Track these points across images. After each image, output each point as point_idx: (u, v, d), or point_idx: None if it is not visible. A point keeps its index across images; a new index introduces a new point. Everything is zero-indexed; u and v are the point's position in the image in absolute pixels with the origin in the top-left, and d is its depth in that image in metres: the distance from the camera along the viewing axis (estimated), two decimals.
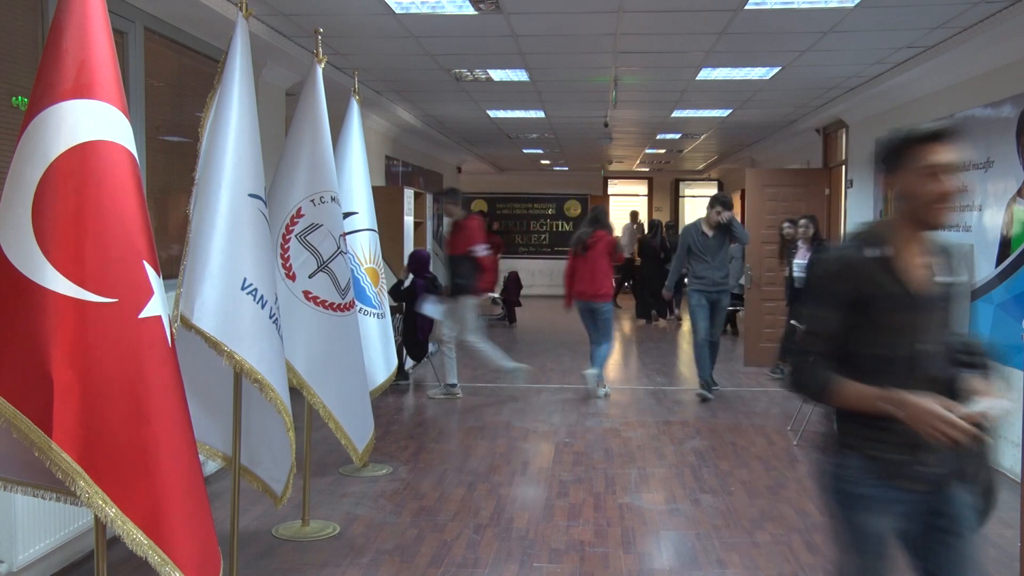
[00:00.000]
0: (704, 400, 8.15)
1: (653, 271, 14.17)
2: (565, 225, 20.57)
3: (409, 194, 10.33)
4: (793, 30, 6.36)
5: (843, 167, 10.08)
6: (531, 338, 12.93)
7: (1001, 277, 5.93)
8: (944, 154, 2.34)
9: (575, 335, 13.22)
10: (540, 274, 19.99)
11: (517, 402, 8.09)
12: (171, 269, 3.61)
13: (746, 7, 5.70)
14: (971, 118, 6.48)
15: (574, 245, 8.45)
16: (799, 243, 9.10)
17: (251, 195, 3.50)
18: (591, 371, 8.34)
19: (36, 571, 3.88)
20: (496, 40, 6.77)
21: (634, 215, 18.42)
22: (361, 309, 5.28)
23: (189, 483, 2.57)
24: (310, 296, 4.38)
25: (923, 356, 2.35)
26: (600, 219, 8.66)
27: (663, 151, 16.11)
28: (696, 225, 8.40)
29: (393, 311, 7.86)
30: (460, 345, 8.19)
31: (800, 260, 9.06)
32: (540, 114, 11.01)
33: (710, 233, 8.24)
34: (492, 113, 10.98)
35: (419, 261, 8.78)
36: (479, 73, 8.23)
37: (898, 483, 2.35)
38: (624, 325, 14.33)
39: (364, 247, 5.47)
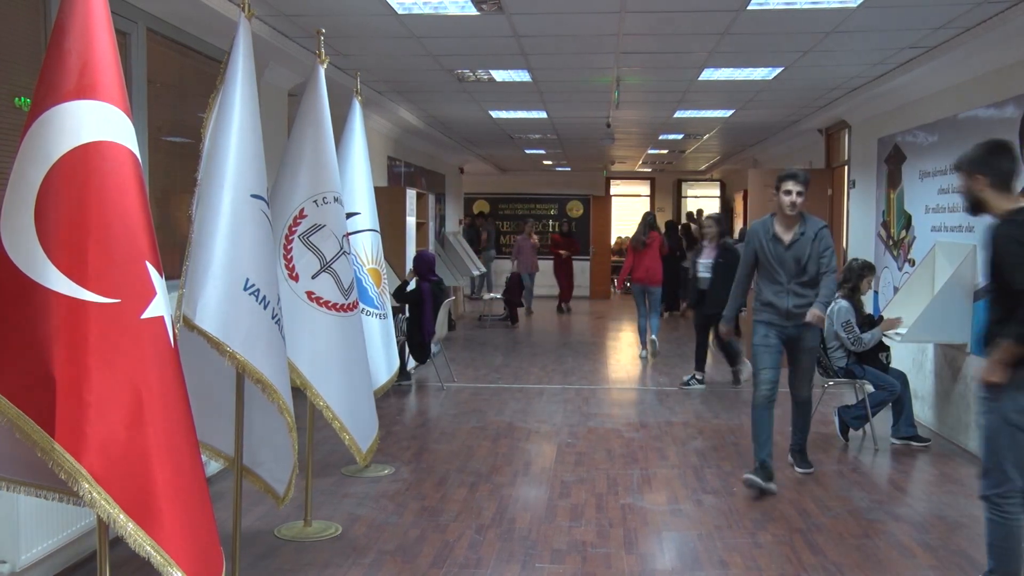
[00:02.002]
0: (762, 492, 5.33)
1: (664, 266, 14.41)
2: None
3: (411, 195, 10.33)
4: (795, 30, 6.36)
5: (846, 167, 10.08)
6: (534, 338, 12.93)
7: None
8: None
9: (577, 335, 13.24)
10: (543, 275, 19.95)
11: (519, 403, 8.09)
12: (173, 269, 3.61)
13: (748, 7, 5.70)
14: (974, 119, 6.47)
15: (635, 243, 10.71)
16: (704, 243, 9.09)
17: (253, 196, 3.50)
18: (644, 352, 10.98)
19: (39, 571, 3.89)
20: (498, 40, 6.77)
21: (699, 213, 18.77)
22: (363, 310, 5.28)
23: (191, 483, 2.57)
24: (313, 297, 4.38)
25: None
26: (653, 223, 11.06)
27: (665, 151, 16.12)
28: (766, 224, 5.58)
29: (395, 312, 7.86)
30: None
31: (705, 260, 8.93)
32: (542, 115, 11.01)
33: (787, 236, 5.46)
34: (494, 114, 10.98)
35: (425, 263, 8.72)
36: (481, 74, 8.23)
37: None
38: (628, 324, 14.31)
39: (366, 248, 5.47)
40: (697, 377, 9.03)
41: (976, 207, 3.75)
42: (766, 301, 5.54)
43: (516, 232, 20.74)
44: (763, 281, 5.58)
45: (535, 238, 16.32)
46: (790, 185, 5.40)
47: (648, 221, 11.00)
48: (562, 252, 16.49)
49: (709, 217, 9.29)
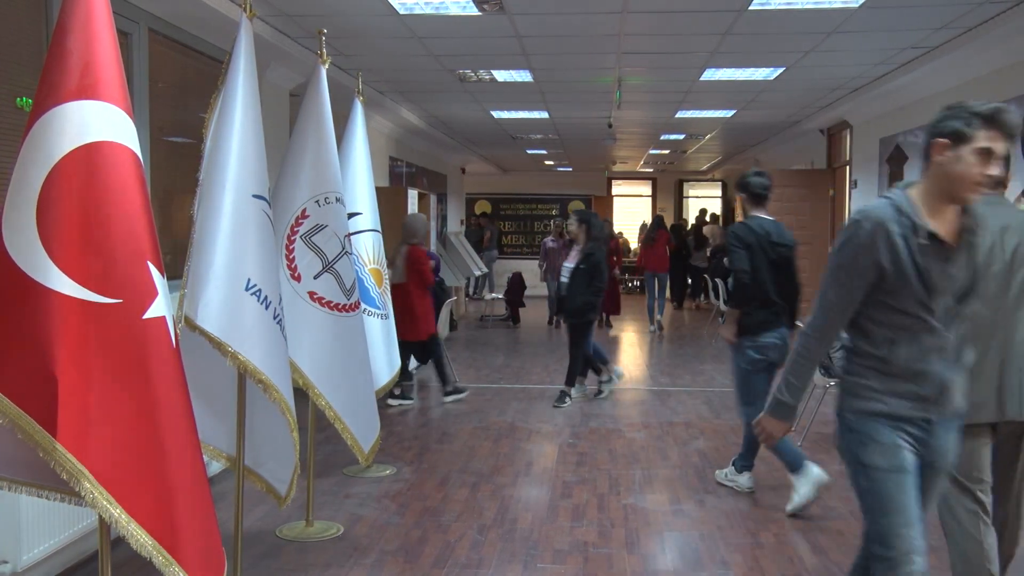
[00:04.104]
0: None
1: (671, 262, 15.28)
2: None
3: (413, 195, 10.34)
4: (797, 30, 6.36)
5: (847, 168, 10.08)
6: (535, 339, 12.92)
7: None
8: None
9: None
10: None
11: (520, 403, 8.08)
12: (175, 270, 3.62)
13: (750, 7, 5.70)
14: None
15: (647, 240, 13.84)
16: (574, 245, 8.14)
17: (255, 196, 3.50)
18: (653, 328, 13.30)
19: (40, 571, 3.89)
20: (500, 41, 6.78)
21: (715, 216, 19.32)
22: (365, 310, 5.28)
23: (193, 484, 2.57)
24: (315, 297, 4.39)
25: None
26: (662, 223, 14.19)
27: (667, 152, 16.14)
28: (900, 206, 2.62)
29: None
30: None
31: (568, 264, 8.02)
32: (544, 115, 11.01)
33: (951, 234, 2.64)
34: (496, 114, 10.98)
35: None
36: (483, 74, 8.24)
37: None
38: (628, 325, 14.30)
39: (368, 248, 5.48)
40: (571, 394, 8.06)
41: (742, 213, 5.27)
42: (897, 371, 2.68)
43: (518, 232, 20.69)
44: (882, 325, 2.69)
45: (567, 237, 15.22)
46: (995, 140, 2.56)
47: (656, 222, 14.28)
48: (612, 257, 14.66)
49: (574, 214, 8.20)
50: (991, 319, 3.24)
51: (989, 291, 3.21)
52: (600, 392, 8.24)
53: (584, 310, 7.90)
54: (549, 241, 14.61)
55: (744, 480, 5.44)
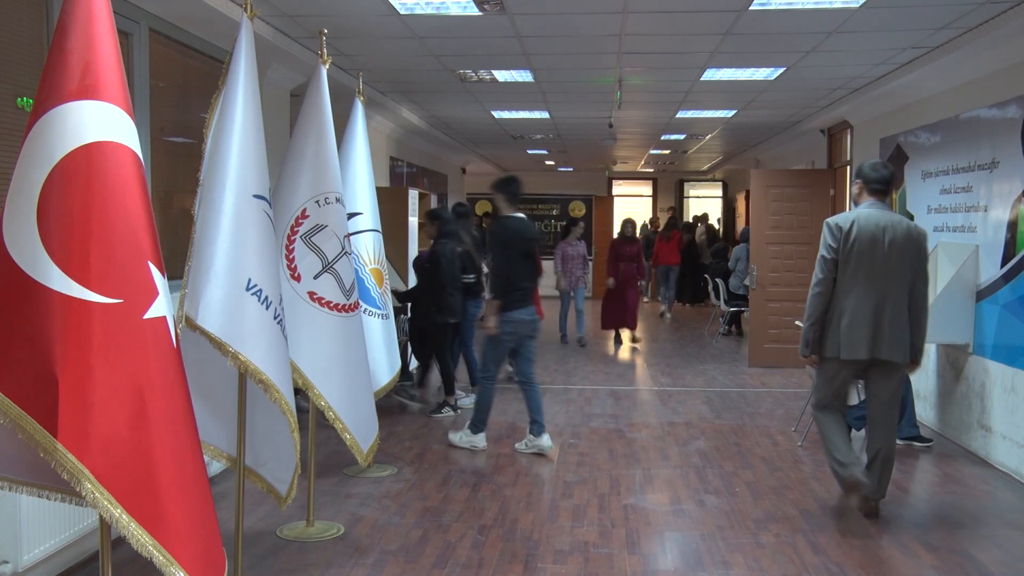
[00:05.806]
0: None
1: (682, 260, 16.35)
2: None
3: (413, 195, 10.32)
4: (798, 31, 6.36)
5: (848, 168, 10.07)
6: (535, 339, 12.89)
7: (1006, 278, 5.92)
8: None
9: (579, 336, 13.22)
10: (545, 275, 19.86)
11: (521, 403, 8.06)
12: (175, 270, 3.62)
13: (751, 7, 5.70)
14: (976, 119, 6.47)
15: (663, 237, 15.72)
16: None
17: (255, 196, 3.50)
18: (667, 315, 15.42)
19: (41, 571, 3.89)
20: (500, 41, 6.77)
21: (705, 216, 19.82)
22: (365, 310, 5.28)
23: (194, 484, 2.57)
24: (315, 297, 4.39)
25: None
26: (676, 223, 16.58)
27: (668, 152, 16.13)
28: None
29: (397, 312, 7.85)
30: None
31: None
32: (545, 115, 11.01)
33: None
34: (497, 114, 10.98)
35: None
36: (483, 74, 8.23)
37: None
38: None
39: (368, 248, 5.48)
40: (449, 402, 7.68)
41: (495, 212, 6.26)
42: None
43: None
44: None
45: (582, 245, 12.19)
46: None
47: (670, 221, 16.53)
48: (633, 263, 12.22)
49: (428, 213, 7.80)
50: (871, 287, 4.68)
51: (873, 268, 4.70)
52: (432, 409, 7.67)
53: (428, 312, 7.50)
54: (567, 247, 11.90)
55: (480, 440, 6.33)
